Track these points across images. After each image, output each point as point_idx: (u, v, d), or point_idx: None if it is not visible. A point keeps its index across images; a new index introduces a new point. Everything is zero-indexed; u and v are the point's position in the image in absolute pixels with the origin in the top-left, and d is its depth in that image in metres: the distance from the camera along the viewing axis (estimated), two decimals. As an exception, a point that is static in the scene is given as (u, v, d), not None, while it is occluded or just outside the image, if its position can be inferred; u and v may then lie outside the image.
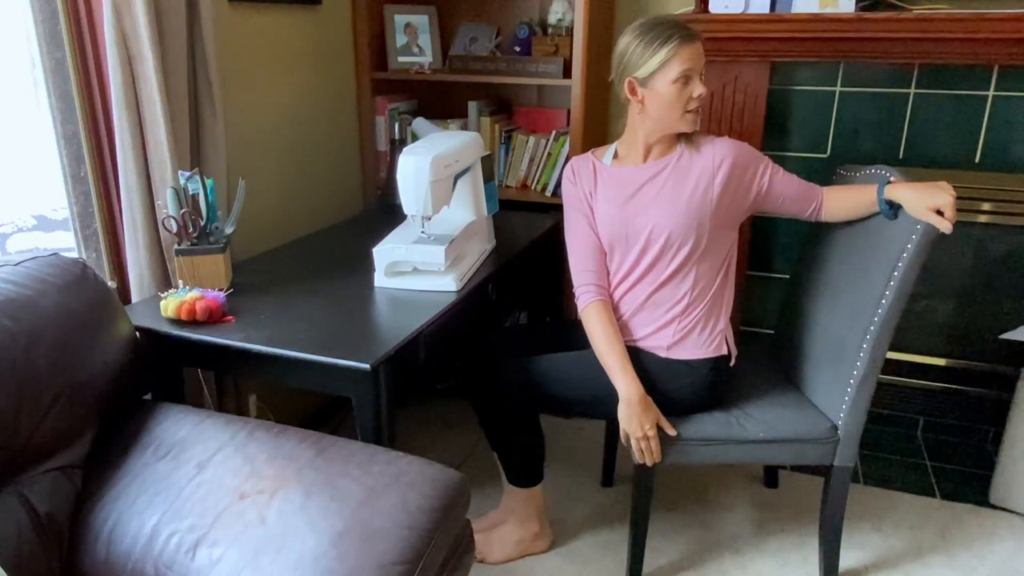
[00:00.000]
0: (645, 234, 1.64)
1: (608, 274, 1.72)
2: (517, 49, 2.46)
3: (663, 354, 1.67)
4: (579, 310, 1.70)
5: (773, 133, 2.33)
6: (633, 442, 1.63)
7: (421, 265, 1.74)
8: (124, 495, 1.27)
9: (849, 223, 1.69)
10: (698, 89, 1.57)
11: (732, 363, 1.73)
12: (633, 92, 1.60)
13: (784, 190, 1.67)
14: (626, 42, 1.58)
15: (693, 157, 1.64)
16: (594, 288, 1.69)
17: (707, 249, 1.64)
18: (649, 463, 1.65)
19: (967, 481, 2.23)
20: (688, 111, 1.59)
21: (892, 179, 1.57)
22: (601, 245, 1.71)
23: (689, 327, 1.66)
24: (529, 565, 1.89)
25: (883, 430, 2.49)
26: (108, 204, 1.74)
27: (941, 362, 2.41)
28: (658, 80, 1.56)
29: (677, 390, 1.66)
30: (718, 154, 1.62)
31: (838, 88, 2.25)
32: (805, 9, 2.05)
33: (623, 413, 1.61)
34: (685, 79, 1.55)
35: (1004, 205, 2.18)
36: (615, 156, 1.74)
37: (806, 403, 1.74)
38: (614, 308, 1.71)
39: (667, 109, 1.58)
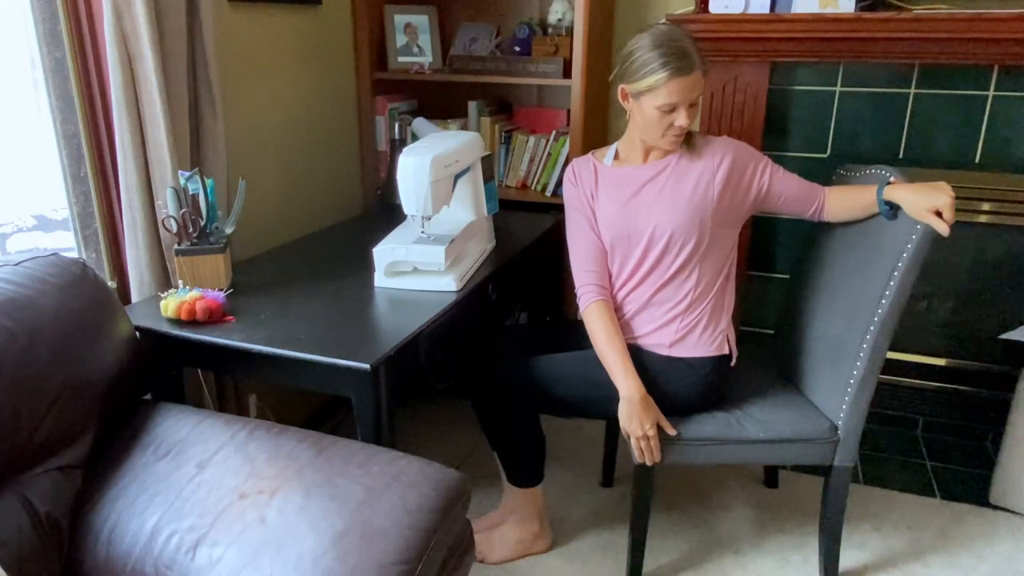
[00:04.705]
0: (648, 233, 1.64)
1: (609, 275, 1.72)
2: (517, 49, 2.46)
3: (664, 352, 1.67)
4: (580, 310, 1.70)
5: (773, 133, 2.33)
6: (633, 441, 1.63)
7: (421, 265, 1.74)
8: (124, 495, 1.27)
9: (849, 223, 1.69)
10: (681, 119, 1.56)
11: (733, 363, 1.73)
12: (625, 99, 1.62)
13: (784, 189, 1.67)
14: (632, 48, 1.56)
15: (693, 157, 1.64)
16: (595, 288, 1.69)
17: (709, 248, 1.64)
18: (649, 463, 1.65)
19: (967, 481, 2.23)
20: (669, 135, 1.59)
21: (892, 179, 1.57)
22: (602, 246, 1.71)
23: (691, 325, 1.66)
24: (529, 565, 1.89)
25: (883, 430, 2.49)
26: (108, 204, 1.74)
27: (941, 362, 2.41)
28: (645, 100, 1.56)
29: (678, 389, 1.66)
30: (718, 153, 1.62)
31: (838, 88, 2.25)
32: (805, 9, 2.05)
33: (623, 412, 1.61)
34: (671, 108, 1.55)
35: (1004, 205, 2.18)
36: (616, 156, 1.74)
37: (806, 403, 1.74)
38: (617, 308, 1.71)
39: (648, 127, 1.60)
